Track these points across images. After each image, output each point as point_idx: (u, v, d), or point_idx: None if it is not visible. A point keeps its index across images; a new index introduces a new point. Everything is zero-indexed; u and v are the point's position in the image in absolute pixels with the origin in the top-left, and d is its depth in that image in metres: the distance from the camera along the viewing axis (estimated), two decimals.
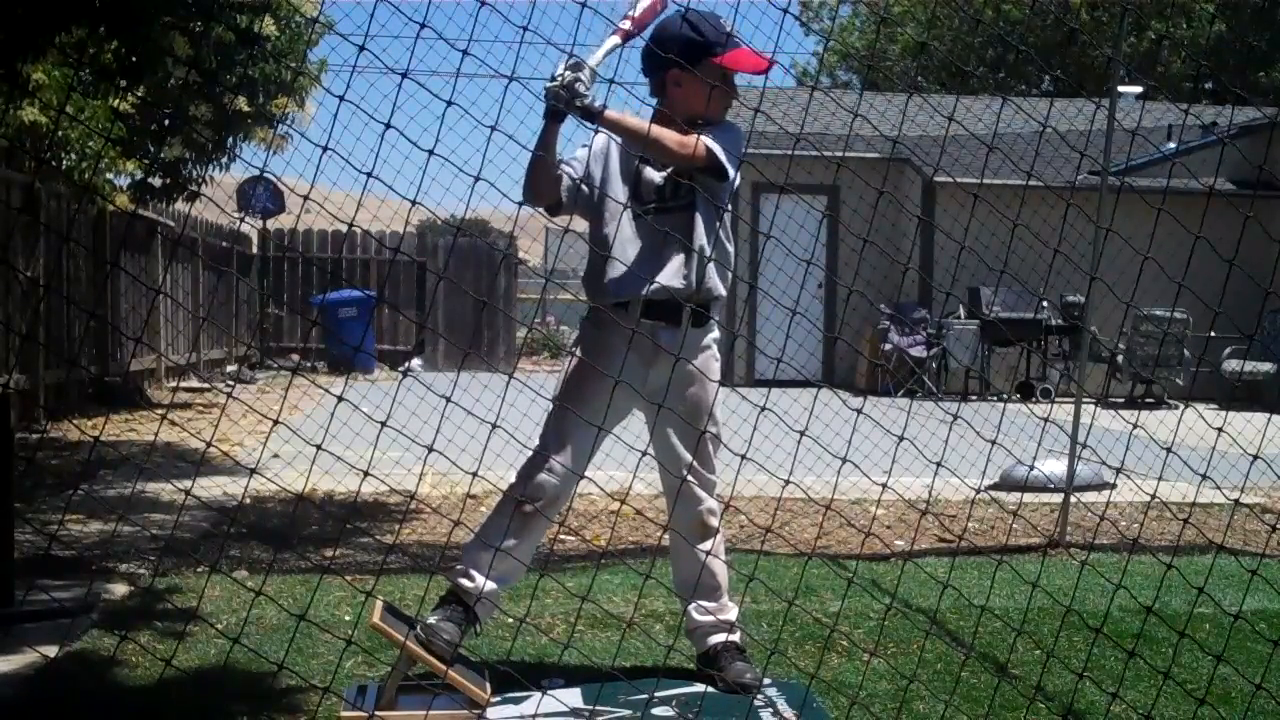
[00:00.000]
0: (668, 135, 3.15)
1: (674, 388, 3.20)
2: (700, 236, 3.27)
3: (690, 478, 3.26)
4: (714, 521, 3.37)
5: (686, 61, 3.17)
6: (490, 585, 3.21)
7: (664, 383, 3.21)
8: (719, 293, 3.36)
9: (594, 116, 3.11)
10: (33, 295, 8.82)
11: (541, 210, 3.35)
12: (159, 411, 10.09)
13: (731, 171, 3.26)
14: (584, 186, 3.37)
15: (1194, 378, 13.89)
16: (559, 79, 3.06)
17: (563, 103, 3.07)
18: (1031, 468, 6.54)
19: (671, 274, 3.27)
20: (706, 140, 3.18)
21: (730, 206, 3.34)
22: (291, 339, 17.81)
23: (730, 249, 3.42)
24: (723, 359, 3.48)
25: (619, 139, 3.31)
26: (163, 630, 3.83)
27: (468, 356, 15.47)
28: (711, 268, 3.30)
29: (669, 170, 3.29)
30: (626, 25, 3.28)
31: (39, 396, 9.06)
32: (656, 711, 3.11)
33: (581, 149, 3.43)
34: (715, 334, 3.44)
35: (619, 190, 3.35)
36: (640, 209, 3.30)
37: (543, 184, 3.29)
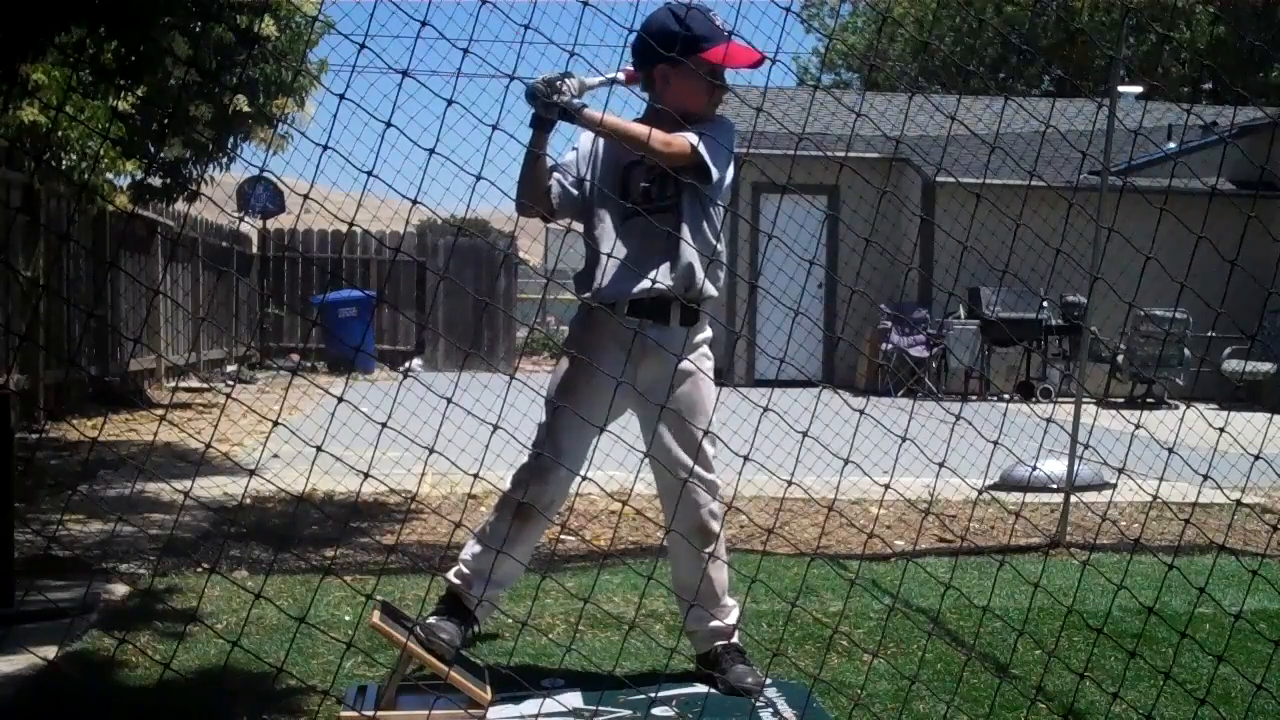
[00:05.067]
0: (651, 134, 3.10)
1: (664, 386, 3.19)
2: (687, 236, 3.25)
3: (688, 478, 3.25)
4: (715, 525, 3.32)
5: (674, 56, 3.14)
6: (489, 587, 3.20)
7: (653, 381, 3.20)
8: (710, 292, 3.33)
9: (573, 114, 3.10)
10: (32, 295, 8.81)
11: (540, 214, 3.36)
12: (158, 412, 10.09)
13: (716, 173, 3.22)
14: (574, 191, 3.36)
15: (1194, 378, 13.88)
16: (542, 78, 3.07)
17: (542, 98, 3.06)
18: (1032, 468, 6.54)
19: (659, 275, 3.25)
20: (692, 139, 3.15)
21: (722, 204, 3.32)
22: (291, 339, 17.81)
23: (721, 247, 3.40)
24: (725, 359, 3.48)
25: (604, 140, 3.30)
26: (163, 631, 3.83)
27: (468, 357, 15.47)
28: (701, 267, 3.28)
29: (656, 171, 3.27)
30: (622, 76, 3.31)
31: (39, 396, 9.06)
32: (657, 712, 3.11)
33: (570, 152, 3.42)
34: (707, 333, 3.41)
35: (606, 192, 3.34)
36: (628, 209, 3.27)
37: (532, 194, 3.28)
